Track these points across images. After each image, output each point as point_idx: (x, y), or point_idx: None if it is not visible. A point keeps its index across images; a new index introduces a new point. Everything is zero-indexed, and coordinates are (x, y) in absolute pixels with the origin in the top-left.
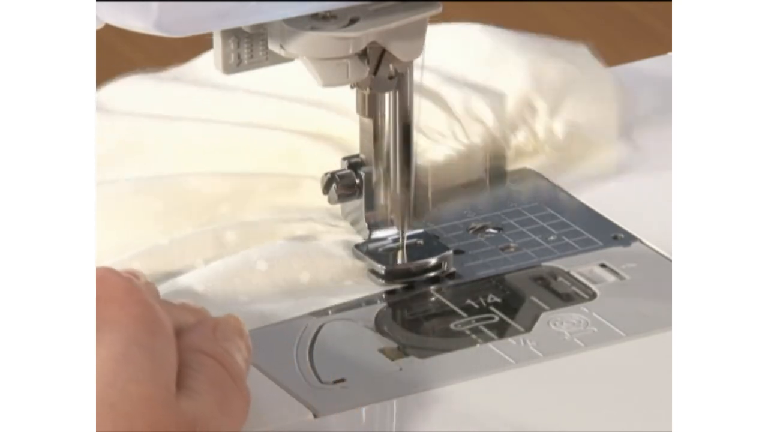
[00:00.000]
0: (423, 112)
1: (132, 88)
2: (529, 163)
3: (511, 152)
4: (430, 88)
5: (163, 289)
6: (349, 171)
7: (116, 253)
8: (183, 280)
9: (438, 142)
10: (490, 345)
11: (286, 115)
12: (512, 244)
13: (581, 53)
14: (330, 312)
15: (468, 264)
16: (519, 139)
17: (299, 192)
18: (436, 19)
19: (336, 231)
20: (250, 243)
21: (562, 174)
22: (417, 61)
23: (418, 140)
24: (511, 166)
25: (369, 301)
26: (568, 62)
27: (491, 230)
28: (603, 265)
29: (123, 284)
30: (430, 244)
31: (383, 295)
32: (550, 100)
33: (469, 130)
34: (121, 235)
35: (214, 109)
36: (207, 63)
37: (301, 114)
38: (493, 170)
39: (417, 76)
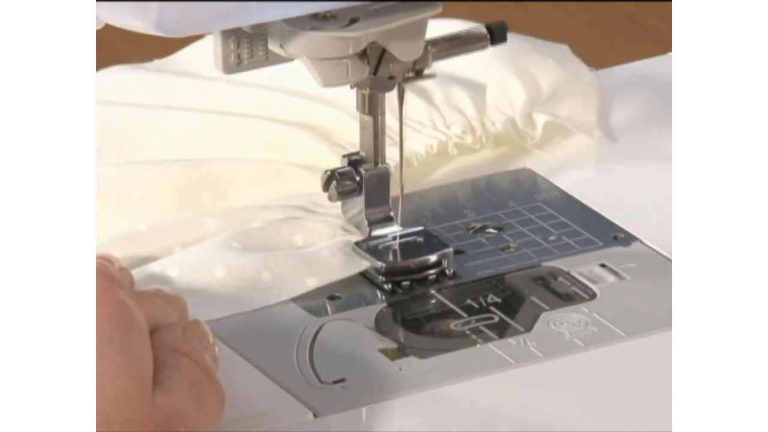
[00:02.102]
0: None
1: (115, 77)
2: (529, 163)
3: (490, 142)
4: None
5: (138, 273)
6: (349, 168)
7: (96, 239)
8: (159, 265)
9: (418, 131)
10: (490, 345)
11: (268, 105)
12: (512, 244)
13: (563, 51)
14: (327, 307)
15: (468, 264)
16: (498, 129)
17: (281, 180)
18: (435, 19)
19: (317, 217)
20: (230, 230)
21: (561, 174)
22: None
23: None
24: (511, 165)
25: (369, 301)
26: (551, 57)
27: (491, 230)
28: (603, 265)
29: (98, 283)
30: (430, 241)
31: (383, 296)
32: (532, 92)
33: (449, 120)
34: (102, 222)
35: (197, 98)
36: (190, 54)
37: (284, 104)
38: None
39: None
